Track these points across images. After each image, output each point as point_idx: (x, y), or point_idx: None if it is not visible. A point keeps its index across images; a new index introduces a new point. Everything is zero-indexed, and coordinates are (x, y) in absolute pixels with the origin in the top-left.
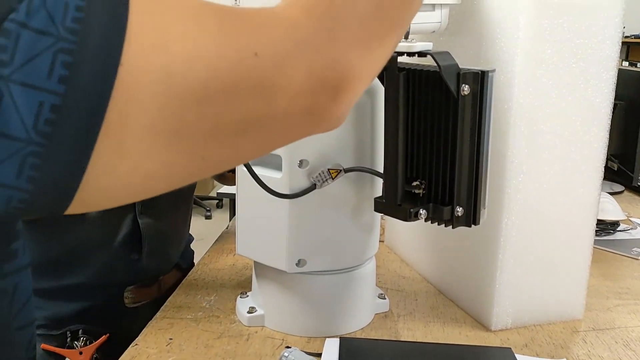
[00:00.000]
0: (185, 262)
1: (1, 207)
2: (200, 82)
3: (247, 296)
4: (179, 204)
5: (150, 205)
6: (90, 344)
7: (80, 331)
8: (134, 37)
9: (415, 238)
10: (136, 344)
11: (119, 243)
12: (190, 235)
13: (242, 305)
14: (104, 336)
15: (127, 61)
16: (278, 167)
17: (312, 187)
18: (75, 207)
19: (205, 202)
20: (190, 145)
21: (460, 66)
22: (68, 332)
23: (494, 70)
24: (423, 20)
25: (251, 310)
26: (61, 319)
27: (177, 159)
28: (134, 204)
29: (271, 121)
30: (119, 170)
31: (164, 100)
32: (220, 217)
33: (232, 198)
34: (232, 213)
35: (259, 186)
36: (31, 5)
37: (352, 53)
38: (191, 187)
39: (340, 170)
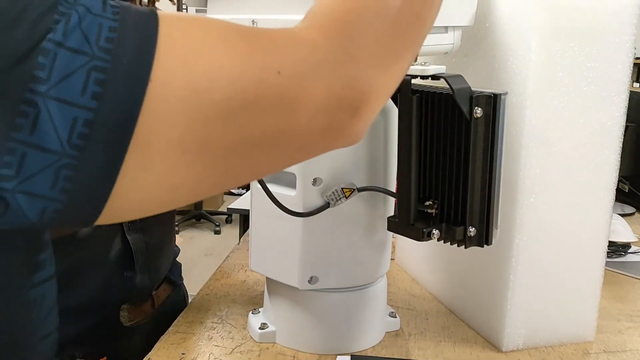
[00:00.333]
0: (174, 275)
1: (35, 217)
2: (225, 99)
3: (259, 312)
4: (163, 216)
5: (136, 220)
6: None
7: (76, 354)
8: (162, 56)
9: (426, 257)
10: (149, 359)
11: (111, 262)
12: (177, 247)
13: (254, 321)
14: (102, 359)
15: (155, 79)
16: (292, 185)
17: (326, 206)
18: (105, 218)
19: (215, 217)
20: (214, 159)
21: (473, 88)
22: (65, 358)
23: (506, 93)
24: (436, 42)
25: (263, 326)
26: (60, 345)
27: (201, 173)
28: (120, 224)
29: (291, 137)
30: (147, 183)
31: (190, 116)
32: (230, 233)
33: (241, 213)
34: (242, 229)
35: (272, 204)
36: (68, 25)
37: (370, 71)
38: None
39: (354, 190)
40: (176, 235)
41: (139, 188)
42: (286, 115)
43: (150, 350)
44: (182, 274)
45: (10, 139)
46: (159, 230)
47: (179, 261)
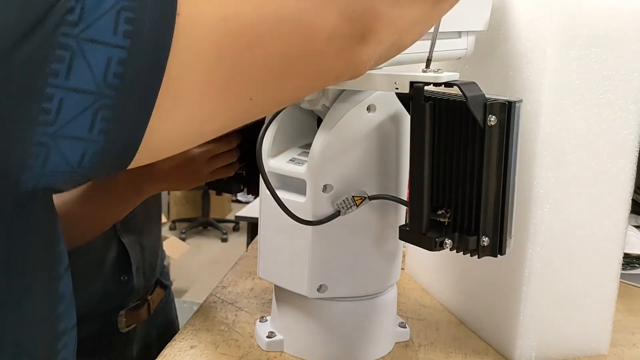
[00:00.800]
0: (165, 279)
1: (76, 161)
2: (250, 25)
3: (267, 320)
4: (151, 215)
5: (127, 222)
6: None
7: None
8: None
9: (436, 266)
10: None
11: (108, 268)
12: (163, 251)
13: (262, 329)
14: None
15: (183, 11)
16: (302, 192)
17: (336, 214)
18: (139, 158)
19: (222, 225)
20: (242, 88)
21: (487, 95)
22: None
23: (520, 101)
24: (449, 47)
25: (270, 335)
26: None
27: (230, 102)
28: (114, 227)
29: (310, 61)
30: (180, 117)
31: (219, 45)
32: (237, 240)
33: (249, 221)
34: (250, 236)
35: (281, 210)
36: None
37: (381, 3)
38: (157, 200)
39: (365, 198)
40: (183, 243)
41: (172, 122)
42: (305, 39)
43: (146, 357)
44: (189, 282)
45: (48, 85)
46: (150, 229)
47: (187, 268)
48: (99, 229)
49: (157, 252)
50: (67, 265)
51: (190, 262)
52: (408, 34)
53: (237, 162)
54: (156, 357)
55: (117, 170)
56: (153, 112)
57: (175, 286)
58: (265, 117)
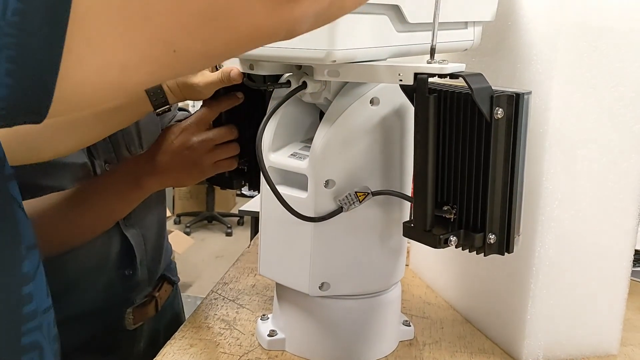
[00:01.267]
0: (172, 275)
1: None
2: None
3: (268, 319)
4: (150, 207)
5: (129, 215)
6: None
7: None
8: None
9: (442, 263)
10: None
11: (111, 264)
12: (169, 245)
13: (263, 327)
14: None
15: None
16: (303, 187)
17: (339, 210)
18: (59, 104)
19: (226, 219)
20: (159, 35)
21: (494, 87)
22: None
23: (529, 93)
24: (455, 38)
25: (272, 333)
26: (64, 354)
27: (148, 50)
28: (117, 222)
29: (236, 14)
30: (94, 62)
31: None
32: (241, 235)
33: (253, 215)
34: (253, 231)
35: (282, 206)
36: None
37: None
38: (161, 191)
39: (368, 194)
40: (188, 237)
41: (87, 68)
42: None
43: (153, 354)
44: (193, 277)
45: None
46: (151, 222)
47: (191, 262)
48: (103, 227)
49: (160, 246)
50: (33, 244)
51: (195, 257)
52: None
53: (238, 155)
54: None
55: (35, 120)
56: (64, 55)
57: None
58: (264, 112)
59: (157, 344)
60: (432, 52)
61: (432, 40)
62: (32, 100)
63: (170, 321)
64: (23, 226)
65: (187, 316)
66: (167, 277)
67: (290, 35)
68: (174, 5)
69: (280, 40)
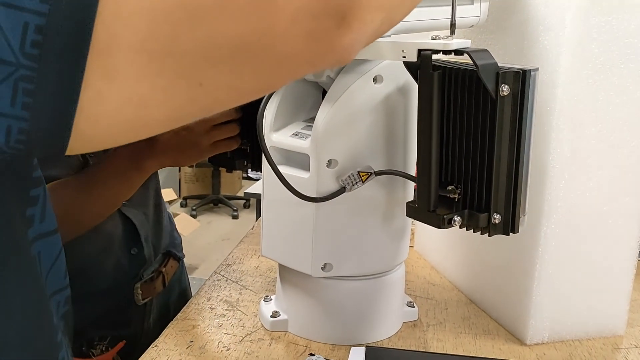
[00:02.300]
0: (177, 250)
1: (2, 138)
2: None
3: (271, 300)
4: (147, 183)
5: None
6: (106, 350)
7: (94, 338)
8: None
9: (446, 244)
10: (156, 345)
11: (118, 243)
12: (172, 222)
13: (266, 309)
14: (120, 343)
15: None
16: (305, 167)
17: (342, 191)
18: (78, 141)
19: (233, 202)
20: (184, 69)
21: (500, 64)
22: (83, 342)
23: (536, 69)
24: (461, 14)
25: (274, 314)
26: (79, 329)
27: (171, 84)
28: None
29: (270, 44)
30: (112, 96)
31: (152, 16)
32: (247, 217)
33: (259, 198)
34: (259, 213)
35: (284, 187)
36: None
37: None
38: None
39: (371, 173)
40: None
41: (106, 102)
42: (263, 18)
43: (163, 329)
44: (199, 259)
45: None
46: (150, 198)
47: (198, 244)
48: (109, 210)
49: (160, 220)
50: (44, 233)
51: (201, 239)
52: (398, 9)
53: (238, 135)
54: None
55: (55, 155)
56: (83, 89)
57: (185, 263)
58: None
59: (167, 319)
60: (453, 27)
61: (452, 16)
62: (50, 135)
63: (178, 296)
64: (33, 210)
65: (191, 298)
66: (172, 253)
67: (339, 63)
68: (202, 37)
69: (328, 67)
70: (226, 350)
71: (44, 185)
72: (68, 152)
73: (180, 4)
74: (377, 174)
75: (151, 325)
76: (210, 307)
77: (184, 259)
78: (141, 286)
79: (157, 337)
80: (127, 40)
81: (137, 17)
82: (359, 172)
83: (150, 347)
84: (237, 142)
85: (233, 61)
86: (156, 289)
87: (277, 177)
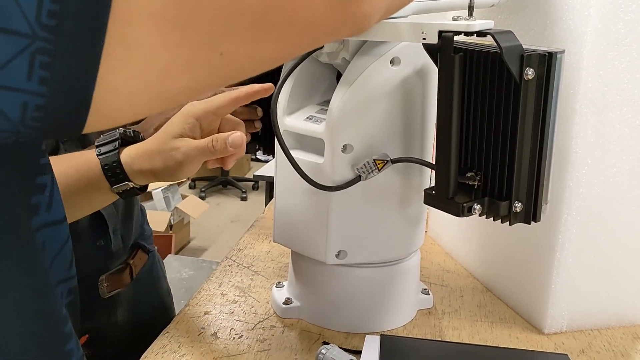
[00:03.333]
0: (147, 242)
1: (17, 115)
2: None
3: (283, 286)
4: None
5: None
6: None
7: None
8: None
9: (462, 230)
10: (167, 332)
11: (85, 235)
12: (144, 214)
13: (278, 295)
14: (83, 337)
15: None
16: (320, 152)
17: (357, 179)
18: (97, 117)
19: (241, 184)
20: (206, 37)
21: (524, 46)
22: None
23: (562, 52)
24: None
25: (287, 301)
26: None
27: (193, 53)
28: None
29: (292, 12)
30: (133, 66)
31: None
32: (256, 199)
33: (268, 180)
34: (268, 195)
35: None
36: None
37: None
38: None
39: (387, 161)
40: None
41: (127, 73)
42: None
43: (135, 323)
44: (208, 241)
45: None
46: None
47: (206, 226)
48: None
49: (130, 214)
50: (49, 222)
51: (210, 221)
52: None
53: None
54: (145, 325)
55: (71, 133)
56: (102, 60)
57: (194, 245)
58: (279, 73)
59: (137, 312)
60: (471, 10)
61: None
62: (68, 111)
63: (149, 289)
64: (37, 198)
65: (200, 280)
66: (141, 245)
67: (358, 32)
68: (225, 5)
69: (346, 37)
70: (238, 338)
71: (51, 172)
72: (85, 130)
73: None
74: (394, 161)
75: (118, 318)
76: (222, 293)
77: (155, 251)
78: (106, 278)
79: (125, 331)
80: (148, 8)
81: None
82: (374, 160)
83: (161, 333)
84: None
85: (255, 30)
86: (123, 282)
87: (290, 163)
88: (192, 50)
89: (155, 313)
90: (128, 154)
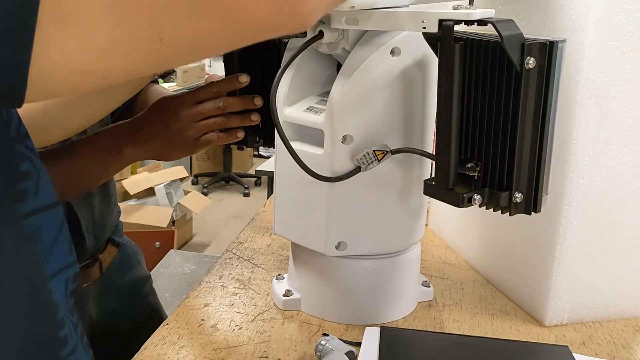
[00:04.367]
0: (117, 236)
1: None
2: None
3: (284, 278)
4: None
5: None
6: None
7: None
8: None
9: (462, 222)
10: (167, 324)
11: None
12: (118, 206)
13: (278, 287)
14: None
15: None
16: (319, 143)
17: (357, 170)
18: (35, 89)
19: (244, 180)
20: (143, 21)
21: (525, 35)
22: None
23: (564, 41)
24: None
25: (287, 293)
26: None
27: (131, 35)
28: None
29: (231, 8)
30: (70, 45)
31: None
32: (259, 195)
33: (270, 176)
34: (270, 191)
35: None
36: None
37: None
38: None
39: (387, 152)
40: (205, 197)
41: (62, 51)
42: None
43: (109, 318)
44: (210, 237)
45: None
46: (101, 188)
47: (209, 222)
48: (72, 192)
49: (108, 211)
50: (39, 207)
51: (212, 217)
52: None
53: (238, 130)
54: (119, 318)
55: (13, 104)
56: (37, 35)
57: (196, 240)
58: (279, 64)
59: (110, 304)
60: None
61: None
62: (5, 84)
63: (121, 284)
64: (26, 184)
65: (201, 275)
66: (111, 239)
67: (301, 28)
68: None
69: (288, 33)
70: (238, 330)
71: (36, 156)
72: (27, 102)
73: None
74: (394, 152)
75: (92, 314)
76: (222, 286)
77: (124, 244)
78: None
79: (97, 323)
80: None
81: None
82: (374, 150)
83: (161, 325)
84: (232, 137)
85: (193, 18)
86: (91, 276)
87: (290, 154)
88: (132, 33)
89: (129, 303)
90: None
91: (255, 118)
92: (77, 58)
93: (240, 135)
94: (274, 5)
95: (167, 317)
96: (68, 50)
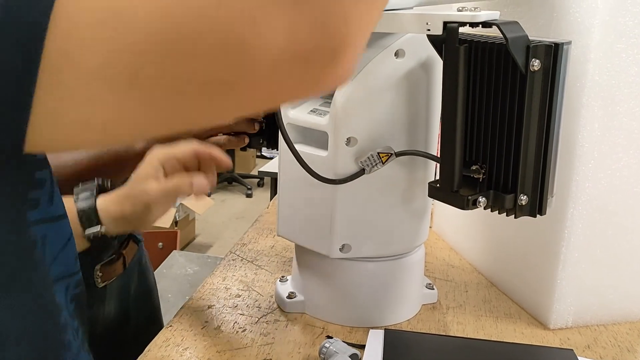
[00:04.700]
0: (137, 233)
1: None
2: (155, 29)
3: (287, 280)
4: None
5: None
6: None
7: None
8: None
9: (466, 225)
10: (170, 325)
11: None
12: None
13: (282, 289)
14: None
15: None
16: (323, 145)
17: (361, 173)
18: (34, 147)
19: (247, 181)
20: (150, 98)
21: (530, 37)
22: None
23: (569, 43)
24: None
25: (291, 295)
26: None
27: (137, 110)
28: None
29: (250, 86)
30: (70, 116)
31: (113, 44)
32: (261, 196)
33: (273, 177)
34: (273, 192)
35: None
36: None
37: (344, 1)
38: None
39: (391, 154)
40: (208, 198)
41: (62, 121)
42: (238, 62)
43: (123, 313)
44: (213, 238)
45: None
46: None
47: (212, 223)
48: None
49: None
50: (49, 217)
51: (215, 218)
52: (375, 17)
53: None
54: (133, 313)
55: (14, 152)
56: (35, 104)
57: (199, 241)
58: None
59: (127, 302)
60: None
61: None
62: (4, 149)
63: (138, 279)
64: (36, 193)
65: (204, 276)
66: (132, 235)
67: (334, 89)
68: (174, 75)
69: (322, 94)
70: (242, 332)
71: (49, 168)
72: (28, 150)
73: (143, 33)
74: (398, 154)
75: (112, 310)
76: (226, 287)
77: (142, 242)
78: (101, 268)
79: (115, 319)
80: (83, 64)
81: (95, 43)
82: (378, 153)
83: (165, 327)
84: (240, 142)
85: (206, 97)
86: (116, 272)
87: (294, 156)
88: (135, 107)
89: (141, 301)
90: (103, 200)
91: (258, 127)
92: (81, 128)
93: (245, 141)
94: (300, 83)
95: (164, 321)
96: (69, 121)
